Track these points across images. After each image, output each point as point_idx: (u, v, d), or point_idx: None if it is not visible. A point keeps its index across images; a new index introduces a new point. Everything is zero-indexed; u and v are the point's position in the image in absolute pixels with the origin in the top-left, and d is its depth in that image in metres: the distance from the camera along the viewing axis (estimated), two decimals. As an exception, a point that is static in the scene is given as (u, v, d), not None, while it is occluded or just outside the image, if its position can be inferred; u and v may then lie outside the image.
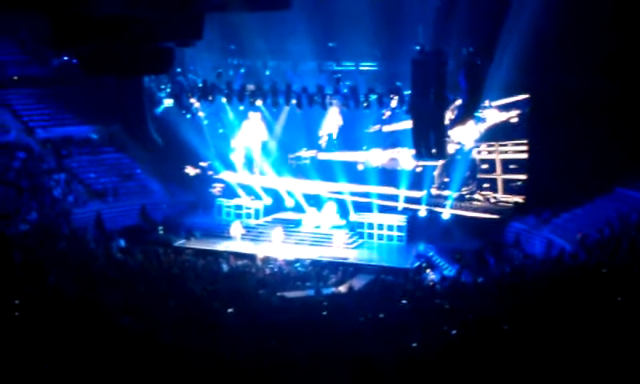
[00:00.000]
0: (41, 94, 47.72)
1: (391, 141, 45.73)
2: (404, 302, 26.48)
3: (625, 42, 36.32)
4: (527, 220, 41.07)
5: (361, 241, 43.00)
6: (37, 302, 22.31)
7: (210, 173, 48.72)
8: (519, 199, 43.69)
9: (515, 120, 43.10)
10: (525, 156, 43.19)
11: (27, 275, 27.48)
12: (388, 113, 43.12)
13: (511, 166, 44.23)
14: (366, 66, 44.12)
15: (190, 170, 48.60)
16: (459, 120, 39.05)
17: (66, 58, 44.09)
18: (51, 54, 45.05)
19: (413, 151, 39.89)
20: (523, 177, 43.57)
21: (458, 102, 38.24)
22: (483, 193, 44.98)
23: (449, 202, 44.28)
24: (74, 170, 45.25)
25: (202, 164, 48.57)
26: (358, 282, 35.24)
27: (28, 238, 36.03)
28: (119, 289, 26.70)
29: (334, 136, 47.15)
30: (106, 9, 15.87)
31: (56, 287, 25.75)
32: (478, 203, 44.78)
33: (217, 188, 44.45)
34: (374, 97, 40.40)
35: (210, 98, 43.63)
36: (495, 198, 44.64)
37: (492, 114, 42.97)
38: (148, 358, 16.33)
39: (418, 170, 45.14)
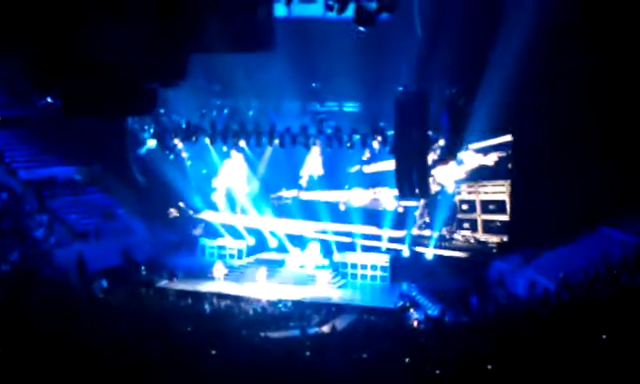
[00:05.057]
0: (24, 135, 47.28)
1: (373, 181, 45.80)
2: (387, 341, 26.39)
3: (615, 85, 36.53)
4: (510, 259, 41.07)
5: (344, 281, 42.93)
6: (18, 342, 22.09)
7: (192, 213, 48.62)
8: (499, 239, 43.72)
9: (495, 162, 43.17)
10: (504, 197, 43.31)
11: (8, 316, 27.23)
12: (367, 153, 43.22)
13: (491, 207, 44.31)
14: (349, 107, 44.19)
15: (173, 211, 48.48)
16: (442, 160, 39.27)
17: (49, 100, 44.06)
18: (35, 94, 44.93)
19: (394, 191, 39.97)
20: (503, 217, 43.65)
21: (441, 142, 38.47)
22: (463, 233, 45.03)
23: (432, 242, 44.32)
24: (55, 211, 44.84)
25: (184, 204, 48.47)
26: (341, 322, 35.09)
27: (9, 279, 35.80)
28: (101, 328, 26.48)
29: (315, 176, 47.18)
30: (95, 57, 15.85)
31: (38, 327, 25.49)
32: (460, 243, 44.84)
33: (198, 229, 44.02)
34: (357, 137, 40.48)
35: (194, 139, 43.56)
36: (475, 237, 44.69)
37: (472, 157, 43.11)
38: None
39: (400, 209, 45.19)
